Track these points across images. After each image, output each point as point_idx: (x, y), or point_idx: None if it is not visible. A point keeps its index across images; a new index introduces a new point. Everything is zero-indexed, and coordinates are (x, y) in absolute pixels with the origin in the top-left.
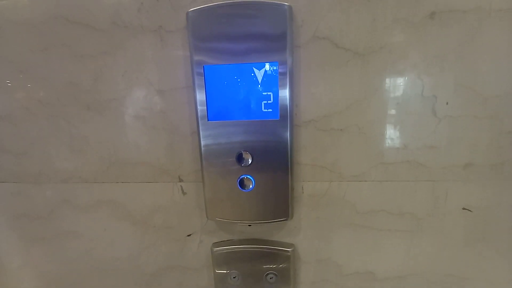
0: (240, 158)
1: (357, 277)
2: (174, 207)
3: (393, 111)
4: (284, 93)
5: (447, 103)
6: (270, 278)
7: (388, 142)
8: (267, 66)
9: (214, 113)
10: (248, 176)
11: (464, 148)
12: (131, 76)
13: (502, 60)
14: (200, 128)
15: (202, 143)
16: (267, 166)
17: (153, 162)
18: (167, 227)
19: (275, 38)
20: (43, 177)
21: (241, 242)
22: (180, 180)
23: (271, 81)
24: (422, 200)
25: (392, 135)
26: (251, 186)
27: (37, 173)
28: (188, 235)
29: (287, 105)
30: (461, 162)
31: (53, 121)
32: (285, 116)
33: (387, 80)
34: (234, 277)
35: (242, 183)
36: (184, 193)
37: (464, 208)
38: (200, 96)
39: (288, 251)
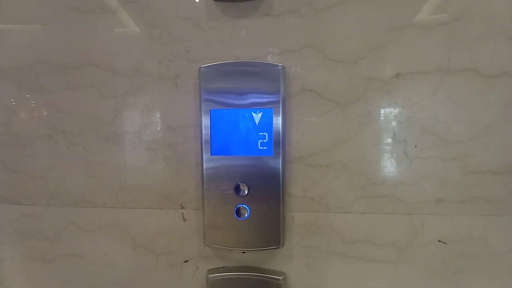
0: (237, 189)
1: None
2: (175, 233)
3: (371, 152)
4: (277, 134)
5: (415, 146)
6: None
7: (368, 178)
8: (263, 111)
9: (217, 149)
10: (244, 206)
11: (434, 185)
12: (148, 114)
13: (462, 111)
14: (204, 161)
15: (205, 174)
16: (261, 197)
17: (160, 189)
18: (166, 253)
19: (270, 90)
20: (56, 200)
21: (235, 269)
22: (182, 207)
23: (267, 124)
24: (402, 232)
25: (371, 172)
26: (246, 215)
27: (50, 196)
28: (185, 261)
29: (280, 144)
30: (433, 197)
31: (73, 149)
32: (278, 153)
33: (365, 126)
34: None
35: (238, 212)
36: (184, 219)
37: (439, 241)
38: (206, 134)
39: (279, 279)
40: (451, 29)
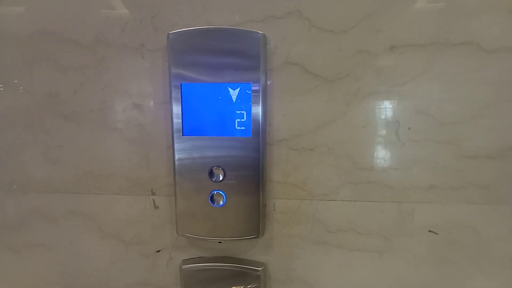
0: (212, 174)
1: None
2: (145, 221)
3: (359, 134)
4: (257, 112)
5: (409, 128)
6: None
7: (356, 163)
8: (241, 86)
9: (189, 129)
10: (220, 192)
11: (426, 171)
12: (111, 90)
13: (458, 89)
14: (175, 142)
15: (176, 157)
16: (239, 183)
17: (128, 174)
18: (137, 242)
19: (249, 62)
20: (16, 186)
21: (211, 259)
22: (153, 194)
23: (245, 101)
24: (389, 221)
25: (359, 156)
26: (221, 202)
27: (10, 181)
28: (157, 251)
29: (259, 124)
30: (424, 184)
31: (30, 130)
32: (257, 134)
33: (353, 105)
34: None
35: (213, 199)
36: (156, 207)
37: (430, 231)
38: (176, 111)
39: (258, 270)
40: None
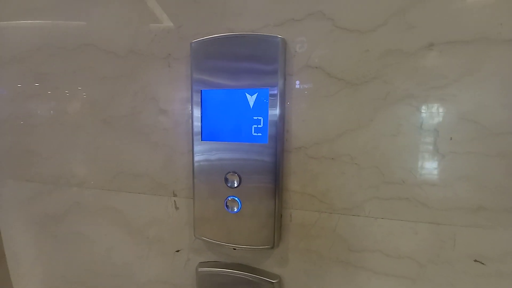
0: (227, 179)
1: None
2: (167, 221)
3: (389, 144)
4: (274, 119)
5: (451, 138)
6: None
7: (384, 176)
8: (258, 92)
9: (208, 134)
10: (235, 198)
11: (472, 189)
12: (141, 97)
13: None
14: (194, 146)
15: (195, 161)
16: (254, 190)
17: (153, 175)
18: (158, 240)
19: (267, 67)
20: (62, 180)
21: (227, 265)
22: (174, 195)
23: (262, 107)
24: (425, 244)
25: (387, 168)
26: (236, 209)
27: (57, 176)
28: (177, 251)
29: (276, 130)
30: (470, 204)
31: (75, 131)
32: (274, 141)
33: (382, 111)
34: None
35: (228, 204)
36: (177, 208)
37: (476, 260)
38: (197, 117)
39: (273, 282)
40: None
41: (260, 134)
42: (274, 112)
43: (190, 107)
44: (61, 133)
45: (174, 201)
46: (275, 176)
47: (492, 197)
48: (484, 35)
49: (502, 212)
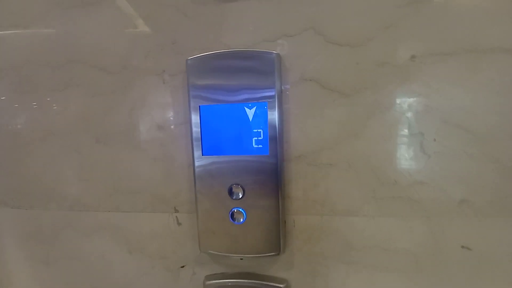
0: (231, 192)
1: None
2: (169, 237)
3: (381, 148)
4: (273, 130)
5: (434, 140)
6: None
7: (378, 178)
8: (257, 106)
9: (208, 148)
10: (240, 209)
11: (457, 184)
12: (136, 112)
13: (494, 98)
14: (195, 162)
15: (197, 176)
16: (258, 200)
17: (152, 192)
18: (161, 257)
19: (264, 81)
20: (53, 203)
21: (234, 275)
22: (176, 211)
23: (261, 119)
24: (418, 237)
25: (382, 170)
26: (241, 220)
27: (46, 199)
28: (181, 267)
29: (276, 141)
30: (455, 198)
31: (65, 150)
32: (275, 152)
33: (374, 119)
34: None
35: (233, 216)
36: (179, 223)
37: (463, 246)
38: (196, 132)
39: (281, 287)
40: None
41: (261, 146)
42: (273, 124)
43: (188, 122)
44: (47, 152)
45: (176, 217)
46: (278, 185)
47: (473, 190)
48: (461, 48)
49: (483, 203)
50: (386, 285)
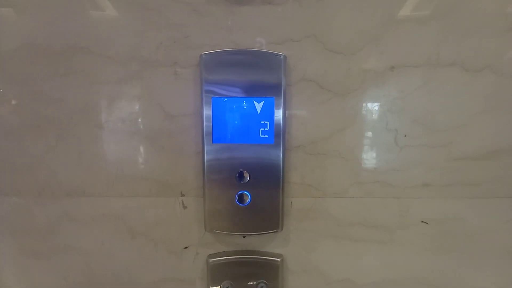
0: (239, 176)
1: (339, 285)
2: (174, 221)
3: (365, 140)
4: (279, 122)
5: (405, 135)
6: (261, 287)
7: (362, 165)
8: (265, 100)
9: (218, 137)
10: (246, 192)
11: (421, 171)
12: (144, 102)
13: (448, 101)
14: (205, 148)
15: (206, 162)
16: (262, 184)
17: (158, 178)
18: (166, 240)
19: (271, 79)
20: (47, 191)
21: (235, 253)
22: (182, 195)
23: (268, 113)
24: (391, 214)
25: (365, 159)
26: (247, 201)
27: (40, 187)
28: (185, 248)
29: (280, 132)
30: (419, 182)
31: (63, 138)
32: (279, 141)
33: (360, 115)
34: (227, 287)
35: (239, 198)
36: (184, 207)
37: (422, 221)
38: (207, 121)
39: (277, 261)
40: (441, 23)
41: (267, 136)
42: (279, 117)
43: (199, 113)
44: (44, 140)
45: (182, 201)
46: (280, 171)
47: (434, 176)
48: (427, 61)
49: (441, 187)
50: (366, 254)
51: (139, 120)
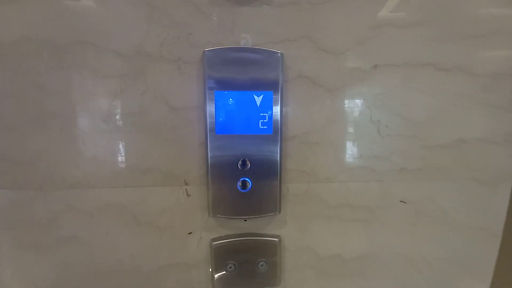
0: (240, 164)
1: (329, 260)
2: (179, 208)
3: (352, 130)
4: (277, 114)
5: (386, 126)
6: (261, 265)
7: (350, 153)
8: (264, 94)
9: (221, 128)
10: (247, 179)
11: (399, 157)
12: (149, 96)
13: (421, 98)
14: (209, 139)
15: (210, 152)
16: (262, 171)
17: (163, 168)
18: (170, 227)
19: (270, 75)
20: (48, 184)
21: (236, 235)
22: (186, 184)
23: (267, 105)
24: (373, 196)
25: (352, 147)
26: (249, 187)
27: (42, 181)
28: (189, 233)
29: (278, 124)
30: (398, 167)
31: (66, 130)
32: (277, 132)
33: (348, 109)
34: (230, 267)
35: (241, 185)
36: (188, 195)
37: (401, 201)
38: (211, 114)
39: (275, 241)
40: (418, 29)
41: (265, 127)
42: (276, 109)
43: (202, 106)
44: (46, 134)
45: (186, 189)
46: (278, 159)
47: (410, 161)
48: (405, 62)
49: (416, 170)
50: (352, 232)
51: (144, 113)
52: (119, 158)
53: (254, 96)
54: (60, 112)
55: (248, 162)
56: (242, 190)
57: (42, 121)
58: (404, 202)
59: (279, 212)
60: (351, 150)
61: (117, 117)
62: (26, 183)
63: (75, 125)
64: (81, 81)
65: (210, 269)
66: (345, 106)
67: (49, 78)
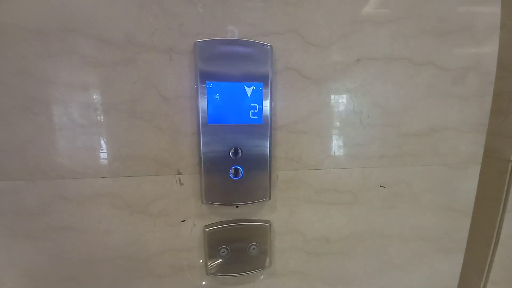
0: (232, 153)
1: (316, 242)
2: (172, 197)
3: (336, 120)
4: (266, 105)
5: (368, 116)
6: (253, 249)
7: (334, 141)
8: (254, 85)
9: (213, 118)
10: (238, 167)
11: (378, 145)
12: (141, 85)
13: (398, 90)
14: (201, 129)
15: (202, 141)
16: (253, 159)
17: (156, 157)
18: (164, 215)
19: (260, 66)
20: (37, 173)
21: (229, 222)
22: (179, 173)
23: (257, 96)
24: (356, 181)
25: (336, 136)
26: (240, 175)
27: (32, 169)
28: (182, 221)
29: (268, 114)
30: (378, 154)
31: (55, 119)
32: (267, 122)
33: (332, 100)
34: (223, 252)
35: (234, 172)
36: (181, 184)
37: (380, 186)
38: (203, 104)
39: (266, 225)
40: (395, 26)
41: (256, 117)
42: (266, 100)
43: (194, 96)
44: (34, 123)
45: (179, 178)
46: (268, 147)
47: (388, 149)
48: (384, 56)
49: (393, 157)
50: (336, 215)
51: (135, 102)
52: (111, 147)
53: (245, 87)
54: (49, 100)
55: (239, 151)
56: (234, 178)
57: (29, 109)
58: (383, 187)
59: (269, 198)
60: (335, 139)
61: (109, 106)
62: (14, 172)
63: (65, 114)
64: (70, 69)
65: (204, 255)
66: (330, 97)
67: (37, 66)
